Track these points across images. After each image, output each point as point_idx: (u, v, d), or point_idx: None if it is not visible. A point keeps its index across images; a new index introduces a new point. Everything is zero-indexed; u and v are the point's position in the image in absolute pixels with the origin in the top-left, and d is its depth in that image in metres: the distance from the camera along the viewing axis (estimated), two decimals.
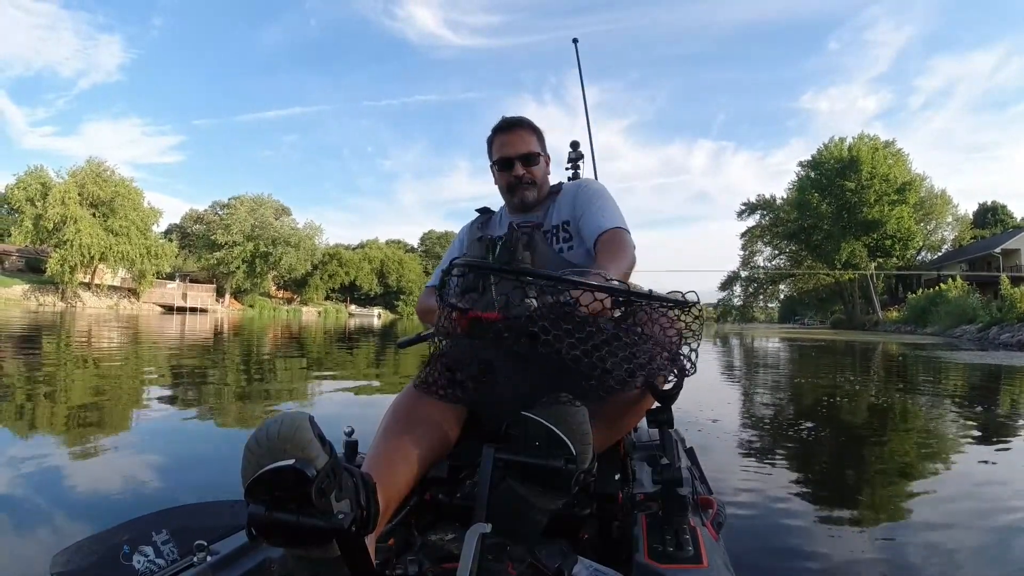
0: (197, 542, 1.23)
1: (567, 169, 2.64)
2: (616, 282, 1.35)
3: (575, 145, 2.66)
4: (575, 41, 3.13)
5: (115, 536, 1.35)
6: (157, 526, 1.38)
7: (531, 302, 1.22)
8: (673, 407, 1.46)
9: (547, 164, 2.07)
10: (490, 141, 2.04)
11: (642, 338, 1.26)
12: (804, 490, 2.86)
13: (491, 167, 2.05)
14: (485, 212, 2.17)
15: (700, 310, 1.36)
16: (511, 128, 1.99)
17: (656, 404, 1.46)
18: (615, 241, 1.77)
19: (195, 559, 1.20)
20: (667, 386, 1.42)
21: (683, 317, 1.35)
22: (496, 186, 2.07)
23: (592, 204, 1.90)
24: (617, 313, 1.33)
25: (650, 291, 1.46)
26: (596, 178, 2.91)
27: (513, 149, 1.96)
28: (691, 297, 1.33)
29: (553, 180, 2.11)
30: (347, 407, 5.36)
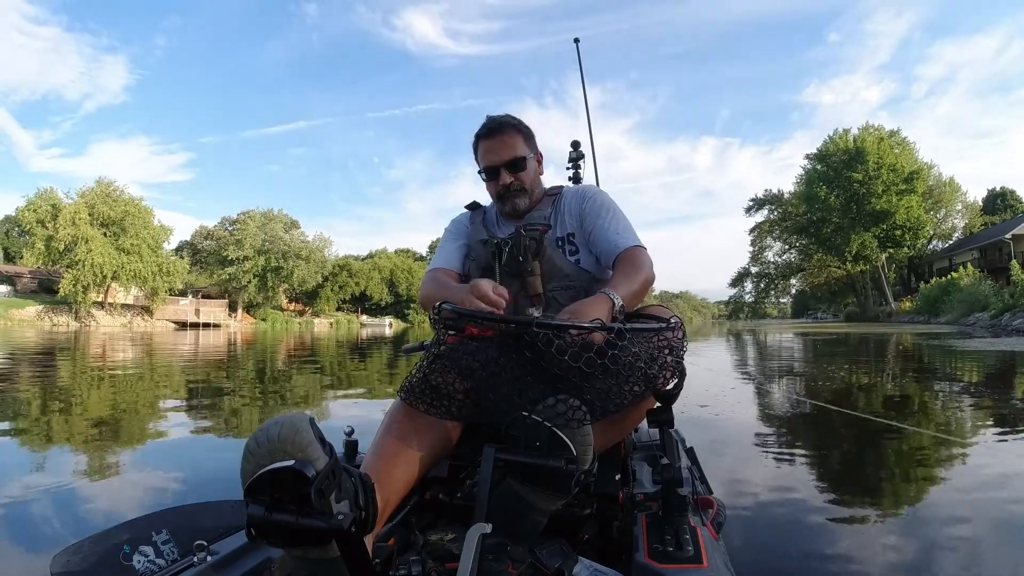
0: (197, 542, 1.23)
1: (568, 169, 2.64)
2: (617, 302, 1.40)
3: (576, 145, 2.64)
4: (576, 41, 3.13)
5: (115, 536, 1.35)
6: (157, 526, 1.39)
7: (533, 311, 1.22)
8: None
9: (539, 163, 1.96)
10: (474, 147, 1.92)
11: (634, 356, 1.26)
12: (806, 488, 2.81)
13: (478, 174, 1.94)
14: (475, 208, 2.06)
15: (683, 330, 1.36)
16: (493, 133, 1.86)
17: (656, 404, 1.44)
18: (632, 262, 1.66)
19: (195, 559, 1.20)
20: (668, 387, 1.42)
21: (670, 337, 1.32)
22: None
23: (601, 218, 1.80)
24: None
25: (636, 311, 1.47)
26: (597, 177, 2.92)
27: (498, 156, 1.84)
28: (675, 321, 1.34)
29: (555, 180, 2.03)
30: (349, 407, 5.40)
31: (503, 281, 1.78)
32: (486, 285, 1.36)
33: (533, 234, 1.80)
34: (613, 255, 1.73)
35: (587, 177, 2.65)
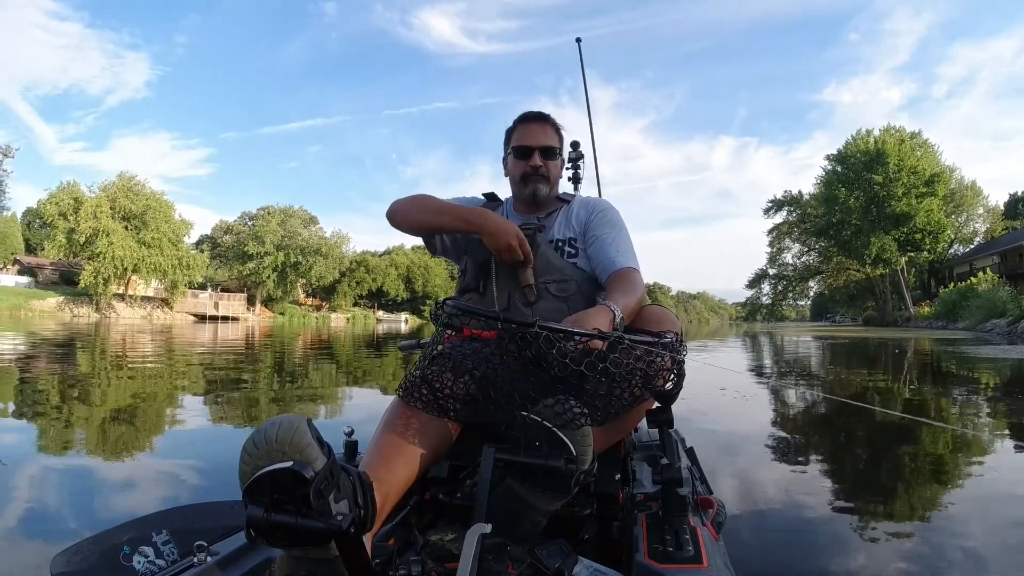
0: (197, 542, 1.22)
1: (567, 169, 2.63)
2: (617, 314, 1.42)
3: (575, 145, 2.63)
4: (578, 40, 3.20)
5: (115, 536, 1.37)
6: (157, 526, 1.40)
7: (529, 311, 1.22)
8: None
9: (561, 166, 2.05)
10: (511, 130, 2.00)
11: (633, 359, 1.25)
12: (807, 488, 2.79)
13: (505, 157, 2.01)
14: (492, 199, 2.11)
15: (683, 347, 1.36)
16: (536, 119, 1.97)
17: (656, 404, 1.44)
18: (629, 280, 1.70)
19: (195, 559, 1.20)
20: (667, 387, 1.42)
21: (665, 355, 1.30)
22: (507, 177, 2.03)
23: (606, 233, 1.86)
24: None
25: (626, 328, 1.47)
26: (598, 177, 3.01)
27: (535, 139, 1.93)
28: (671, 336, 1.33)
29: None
30: (349, 406, 5.40)
31: (498, 269, 1.81)
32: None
33: (527, 231, 1.81)
34: (608, 271, 1.77)
35: (587, 177, 2.66)
